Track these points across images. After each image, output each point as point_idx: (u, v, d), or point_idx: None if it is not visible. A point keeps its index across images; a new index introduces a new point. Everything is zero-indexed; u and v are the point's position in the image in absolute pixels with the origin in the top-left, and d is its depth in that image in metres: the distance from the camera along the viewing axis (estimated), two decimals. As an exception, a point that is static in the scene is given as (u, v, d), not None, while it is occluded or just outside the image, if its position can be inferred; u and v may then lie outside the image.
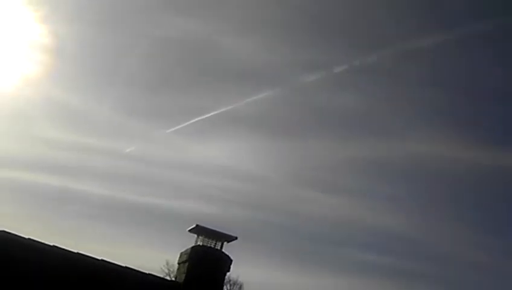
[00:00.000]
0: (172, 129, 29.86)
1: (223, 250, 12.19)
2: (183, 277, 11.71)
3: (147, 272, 11.41)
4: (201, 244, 12.14)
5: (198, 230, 12.15)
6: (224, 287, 21.60)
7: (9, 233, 10.64)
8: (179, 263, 12.24)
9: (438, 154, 32.22)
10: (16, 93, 24.32)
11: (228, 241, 12.29)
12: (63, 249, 10.90)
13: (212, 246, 12.16)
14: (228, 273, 12.28)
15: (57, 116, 30.01)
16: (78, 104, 28.89)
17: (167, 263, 32.66)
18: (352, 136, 34.22)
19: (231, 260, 12.08)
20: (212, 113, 27.55)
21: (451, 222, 36.08)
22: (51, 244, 10.78)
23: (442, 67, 29.91)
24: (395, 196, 35.99)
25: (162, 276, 18.44)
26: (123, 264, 11.03)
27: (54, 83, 26.96)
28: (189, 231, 12.19)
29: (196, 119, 27.99)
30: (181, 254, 12.20)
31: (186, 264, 11.85)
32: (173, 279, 15.05)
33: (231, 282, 35.06)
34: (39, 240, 10.83)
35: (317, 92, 30.40)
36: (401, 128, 33.28)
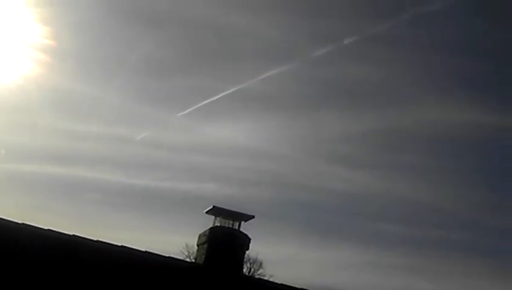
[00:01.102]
0: (183, 113, 29.79)
1: (241, 229, 12.25)
2: (203, 257, 11.78)
3: (167, 255, 11.49)
4: (219, 225, 12.20)
5: (215, 211, 12.20)
6: (245, 265, 21.78)
7: (30, 225, 10.65)
8: (198, 245, 12.30)
9: (458, 120, 31.80)
10: (21, 85, 24.29)
11: (246, 221, 12.35)
12: (83, 237, 10.87)
13: (230, 226, 12.22)
14: (247, 252, 12.33)
15: (65, 106, 30.05)
16: (86, 92, 28.91)
17: (186, 246, 32.89)
18: (367, 107, 33.92)
19: (249, 239, 12.13)
20: (222, 94, 27.40)
21: (475, 188, 35.83)
22: (71, 233, 10.77)
23: (454, 30, 29.46)
24: (415, 165, 35.69)
25: (182, 258, 18.60)
26: (143, 249, 11.09)
27: (59, 72, 26.92)
28: (207, 212, 12.24)
29: (206, 101, 27.85)
30: (200, 236, 12.27)
31: (206, 245, 11.91)
32: (193, 261, 15.16)
33: (251, 260, 35.28)
34: (58, 230, 10.82)
35: (328, 65, 30.10)
36: (417, 96, 32.89)
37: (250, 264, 36.12)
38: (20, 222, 10.49)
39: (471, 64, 30.23)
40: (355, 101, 33.83)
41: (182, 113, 31.19)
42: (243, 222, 12.30)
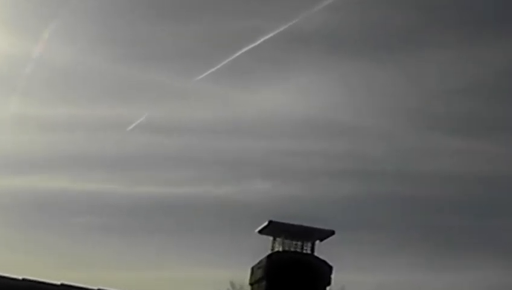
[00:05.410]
0: (204, 74, 22.38)
1: (315, 253, 8.63)
2: (261, 303, 8.06)
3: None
4: (280, 249, 8.59)
5: (273, 228, 8.74)
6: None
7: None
8: (251, 284, 8.80)
9: None
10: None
11: (321, 240, 8.60)
12: (76, 287, 8.15)
13: (298, 249, 8.58)
14: (329, 288, 8.53)
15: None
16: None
17: (232, 286, 24.24)
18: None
19: (330, 267, 8.34)
20: (262, 39, 20.49)
21: None
22: (58, 283, 8.11)
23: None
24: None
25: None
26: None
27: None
28: (260, 231, 8.65)
29: (239, 52, 20.63)
30: (253, 270, 8.77)
31: (263, 283, 8.28)
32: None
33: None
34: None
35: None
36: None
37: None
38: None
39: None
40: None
41: (203, 75, 22.51)
42: (317, 242, 8.53)
